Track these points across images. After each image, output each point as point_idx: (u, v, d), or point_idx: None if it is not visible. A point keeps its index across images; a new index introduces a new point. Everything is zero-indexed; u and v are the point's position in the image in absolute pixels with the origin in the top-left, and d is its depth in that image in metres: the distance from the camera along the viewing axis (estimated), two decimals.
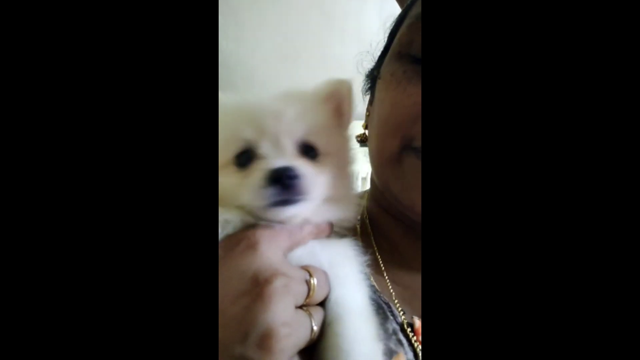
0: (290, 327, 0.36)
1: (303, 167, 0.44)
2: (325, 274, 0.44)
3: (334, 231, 0.51)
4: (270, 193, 0.41)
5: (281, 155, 0.45)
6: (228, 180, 0.45)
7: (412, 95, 0.52)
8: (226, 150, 0.47)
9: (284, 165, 0.43)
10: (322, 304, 0.43)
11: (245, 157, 0.46)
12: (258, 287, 0.36)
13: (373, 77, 0.66)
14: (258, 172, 0.43)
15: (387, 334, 0.48)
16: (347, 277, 0.46)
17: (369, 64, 0.68)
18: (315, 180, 0.44)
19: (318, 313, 0.41)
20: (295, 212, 0.44)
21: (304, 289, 0.40)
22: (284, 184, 0.41)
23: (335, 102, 0.54)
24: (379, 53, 0.66)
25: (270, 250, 0.40)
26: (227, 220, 0.43)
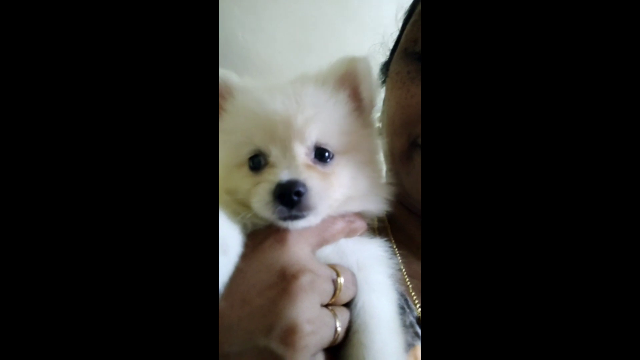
0: (314, 324, 0.36)
1: (311, 179, 0.42)
2: (352, 274, 0.44)
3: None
4: (277, 209, 0.40)
5: (290, 164, 0.43)
6: (242, 181, 0.46)
7: (415, 96, 0.52)
8: (239, 152, 0.47)
9: (289, 180, 0.41)
10: (348, 305, 0.43)
11: (257, 161, 0.46)
12: (285, 281, 0.37)
13: (385, 72, 0.65)
14: (265, 183, 0.42)
15: (404, 327, 0.48)
16: (377, 282, 0.45)
17: (383, 56, 0.68)
18: (323, 193, 0.42)
19: (343, 314, 0.41)
20: (303, 226, 0.42)
21: (330, 287, 0.40)
22: (289, 201, 0.40)
23: (351, 85, 0.50)
24: (392, 45, 0.65)
25: (298, 246, 0.41)
26: (255, 223, 0.43)
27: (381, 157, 0.56)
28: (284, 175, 0.42)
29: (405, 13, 0.62)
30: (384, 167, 0.57)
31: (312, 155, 0.46)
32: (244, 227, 0.42)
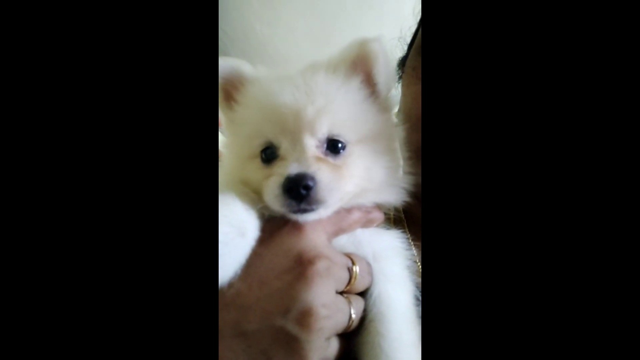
0: (329, 309, 0.37)
1: (320, 172, 0.41)
2: (368, 264, 0.45)
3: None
4: (286, 202, 0.41)
5: (300, 157, 0.43)
6: (255, 173, 0.46)
7: None
8: (251, 144, 0.47)
9: (297, 174, 0.40)
10: (363, 295, 0.44)
11: (270, 153, 0.46)
12: (301, 266, 0.38)
13: (402, 67, 0.65)
14: (275, 177, 0.42)
15: (419, 320, 0.49)
16: (393, 273, 0.46)
17: (400, 51, 0.68)
18: (333, 186, 0.42)
19: (358, 302, 0.42)
20: (313, 219, 0.43)
21: (345, 275, 0.41)
22: (298, 194, 0.40)
23: (364, 70, 0.48)
24: (409, 39, 0.65)
25: (315, 233, 0.42)
26: (271, 212, 0.44)
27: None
28: (293, 169, 0.41)
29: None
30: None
31: (324, 147, 0.45)
32: (260, 215, 0.43)
